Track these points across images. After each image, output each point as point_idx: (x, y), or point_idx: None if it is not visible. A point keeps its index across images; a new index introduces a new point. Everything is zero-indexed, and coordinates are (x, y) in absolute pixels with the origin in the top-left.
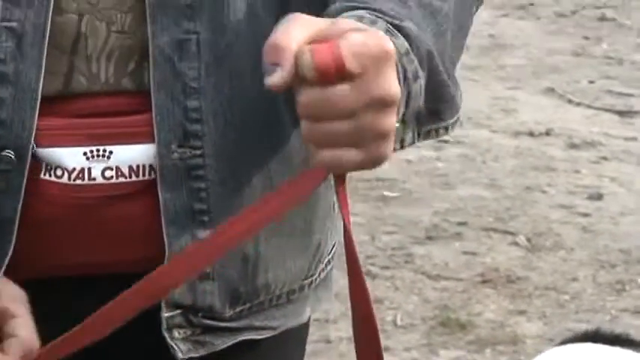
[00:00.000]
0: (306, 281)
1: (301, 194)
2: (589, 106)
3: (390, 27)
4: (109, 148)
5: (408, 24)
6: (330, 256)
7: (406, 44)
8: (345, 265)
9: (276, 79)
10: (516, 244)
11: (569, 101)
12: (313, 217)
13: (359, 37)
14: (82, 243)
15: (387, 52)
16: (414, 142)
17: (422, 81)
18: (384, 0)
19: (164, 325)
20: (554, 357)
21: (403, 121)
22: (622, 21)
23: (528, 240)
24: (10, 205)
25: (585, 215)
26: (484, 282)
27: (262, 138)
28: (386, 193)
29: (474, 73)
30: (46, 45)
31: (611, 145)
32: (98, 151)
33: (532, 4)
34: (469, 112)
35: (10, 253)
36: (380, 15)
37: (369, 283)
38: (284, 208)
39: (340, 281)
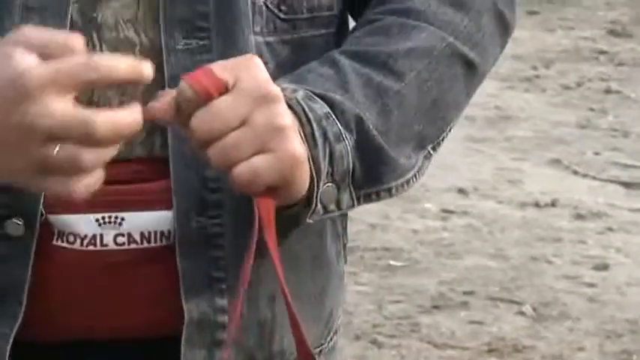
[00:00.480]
0: (317, 349)
1: (269, 228)
2: (595, 178)
3: (310, 94)
4: (120, 214)
5: (331, 94)
6: (338, 324)
7: (326, 108)
8: (351, 333)
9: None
10: (522, 313)
11: (575, 172)
12: (327, 286)
13: (225, 60)
14: (95, 307)
15: (250, 58)
16: (353, 205)
17: (348, 142)
18: (323, 80)
19: None
20: None
21: (334, 181)
22: (627, 93)
23: (534, 310)
24: (20, 271)
25: (591, 285)
26: (490, 351)
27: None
28: (392, 262)
29: (480, 144)
30: None
31: (617, 216)
32: (110, 217)
33: (537, 77)
34: (475, 182)
35: (20, 318)
36: (307, 88)
37: (375, 352)
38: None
39: (347, 349)
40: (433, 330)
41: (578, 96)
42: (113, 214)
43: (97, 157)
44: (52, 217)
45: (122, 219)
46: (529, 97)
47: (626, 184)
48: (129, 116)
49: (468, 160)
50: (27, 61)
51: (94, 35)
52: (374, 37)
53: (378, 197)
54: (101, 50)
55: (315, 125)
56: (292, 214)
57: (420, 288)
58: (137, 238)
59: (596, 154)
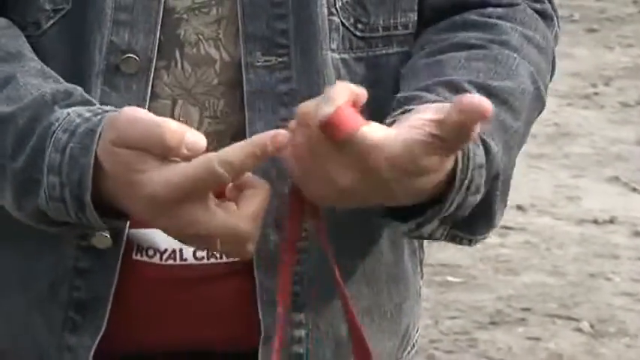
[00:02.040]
0: None
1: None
2: None
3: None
4: None
5: (491, 141)
6: (415, 339)
7: (483, 158)
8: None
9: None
10: (580, 330)
11: (634, 190)
12: (403, 302)
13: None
14: (173, 321)
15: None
16: (439, 239)
17: (478, 197)
18: None
19: None
20: None
21: (442, 220)
22: None
23: (592, 326)
24: (105, 284)
25: None
26: None
27: (356, 225)
28: (450, 278)
29: (538, 161)
30: None
31: None
32: None
33: (596, 94)
34: (533, 199)
35: (102, 331)
36: None
37: None
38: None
39: None
40: (490, 346)
41: (638, 113)
42: None
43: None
44: (133, 232)
45: None
46: (588, 114)
47: None
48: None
49: (527, 177)
50: (150, 183)
51: (177, 52)
52: (485, 64)
53: (461, 242)
54: (182, 66)
55: (469, 174)
56: (384, 223)
57: (478, 304)
58: (216, 253)
59: None
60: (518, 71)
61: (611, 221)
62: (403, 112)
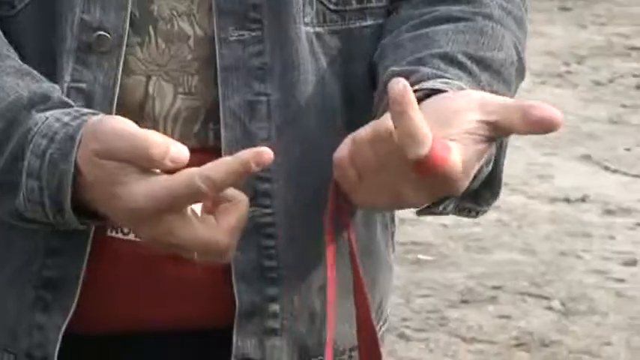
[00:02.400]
0: None
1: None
2: (625, 174)
3: None
4: None
5: None
6: (387, 314)
7: None
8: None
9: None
10: (551, 308)
11: (606, 168)
12: (376, 276)
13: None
14: (148, 299)
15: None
16: (449, 214)
17: (490, 167)
18: (466, 83)
19: None
20: None
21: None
22: None
23: (563, 304)
24: (76, 263)
25: (620, 281)
26: (518, 345)
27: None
28: (421, 256)
29: (511, 139)
30: (114, 105)
31: None
32: None
33: (569, 72)
34: (505, 177)
35: (72, 310)
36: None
37: (403, 346)
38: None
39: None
40: (461, 324)
41: (610, 92)
42: None
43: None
44: None
45: None
46: (561, 92)
47: None
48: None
49: None
50: (132, 195)
51: (150, 28)
52: (473, 36)
53: (469, 214)
54: (156, 42)
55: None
56: None
57: (449, 282)
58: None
59: (627, 150)
60: (505, 42)
61: (583, 200)
62: (428, 95)
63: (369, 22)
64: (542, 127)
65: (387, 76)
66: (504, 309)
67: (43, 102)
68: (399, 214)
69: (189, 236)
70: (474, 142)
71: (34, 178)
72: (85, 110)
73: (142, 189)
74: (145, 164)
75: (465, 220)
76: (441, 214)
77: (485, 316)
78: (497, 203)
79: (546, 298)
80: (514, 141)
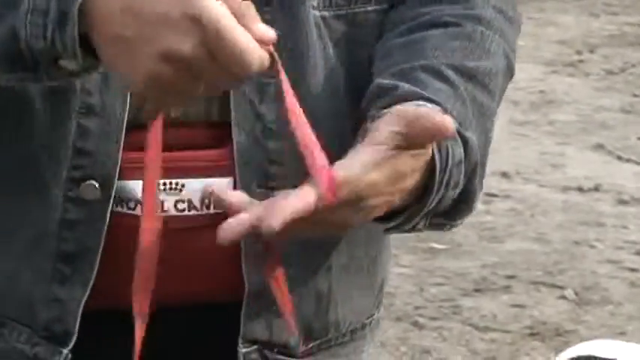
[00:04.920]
0: (367, 320)
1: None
2: (638, 163)
3: (455, 131)
4: (181, 181)
5: (470, 135)
6: (383, 295)
7: (462, 154)
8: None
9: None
10: (564, 297)
11: (619, 157)
12: (378, 256)
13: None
14: (164, 275)
15: None
16: (420, 230)
17: (458, 190)
18: (445, 98)
19: None
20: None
21: (424, 215)
22: None
23: (576, 294)
24: (93, 235)
25: (633, 270)
26: (532, 335)
27: None
28: (434, 245)
29: (523, 128)
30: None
31: None
32: (171, 183)
33: (582, 61)
34: (518, 166)
35: (91, 283)
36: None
37: (416, 334)
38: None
39: (389, 330)
40: (475, 313)
41: (622, 81)
42: (174, 181)
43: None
44: (116, 183)
45: (182, 185)
46: (573, 81)
47: None
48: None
49: (512, 144)
50: None
51: None
52: (461, 43)
53: (442, 228)
54: None
55: (447, 173)
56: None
57: (462, 271)
58: (197, 204)
59: None
60: (493, 49)
61: (596, 189)
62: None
63: (374, 6)
64: (431, 135)
65: (370, 91)
66: (518, 298)
67: None
68: None
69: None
70: (386, 153)
71: None
72: None
73: None
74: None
75: (478, 208)
76: (412, 231)
77: (499, 305)
78: (510, 192)
79: (560, 287)
80: (526, 130)
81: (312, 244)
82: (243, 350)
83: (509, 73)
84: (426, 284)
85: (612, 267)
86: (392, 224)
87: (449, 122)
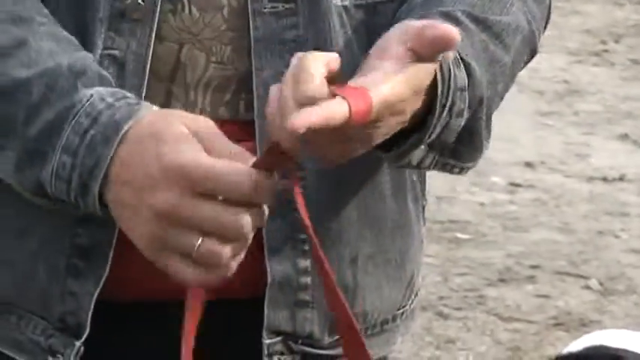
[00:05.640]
0: (398, 312)
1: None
2: None
3: (459, 58)
4: None
5: (474, 64)
6: (418, 287)
7: (465, 80)
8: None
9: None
10: (589, 287)
11: None
12: (408, 248)
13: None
14: None
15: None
16: (429, 168)
17: (462, 121)
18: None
19: (265, 352)
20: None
21: (428, 146)
22: None
23: (601, 284)
24: (106, 231)
25: None
26: (556, 325)
27: (358, 170)
28: (459, 235)
29: (548, 118)
30: (147, 72)
31: None
32: None
33: (607, 51)
34: (542, 156)
35: (104, 277)
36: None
37: (441, 324)
38: None
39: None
40: (499, 303)
41: None
42: None
43: (237, 249)
44: None
45: None
46: (598, 71)
47: None
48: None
49: (536, 134)
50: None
51: None
52: (481, 1)
53: (452, 170)
54: (190, 11)
55: (450, 98)
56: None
57: (487, 261)
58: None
59: None
60: (513, 10)
61: (621, 179)
62: None
63: None
64: (438, 45)
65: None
66: (542, 288)
67: (83, 72)
68: (436, 192)
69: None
70: (405, 65)
71: (69, 154)
72: (127, 94)
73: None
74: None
75: (503, 198)
76: (420, 167)
77: (524, 296)
78: (534, 182)
79: (584, 277)
80: (550, 120)
81: (339, 233)
82: (268, 341)
83: (531, 44)
84: (450, 274)
85: (637, 257)
86: (396, 152)
87: (455, 32)
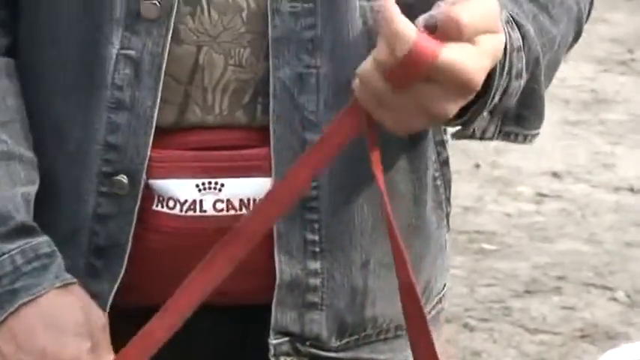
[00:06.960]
0: None
1: (340, 143)
2: None
3: (512, 20)
4: (220, 180)
5: (527, 25)
6: (442, 295)
7: (521, 41)
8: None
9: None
10: (615, 299)
11: None
12: (424, 254)
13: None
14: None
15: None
16: (492, 138)
17: (522, 82)
18: (507, 1)
19: (272, 352)
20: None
21: (490, 113)
22: None
23: (628, 296)
24: (122, 230)
25: None
26: (583, 337)
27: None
28: (485, 245)
29: (574, 127)
30: (163, 74)
31: None
32: (210, 183)
33: (633, 60)
34: (569, 166)
35: (119, 279)
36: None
37: (467, 335)
38: (327, 159)
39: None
40: (525, 314)
41: None
42: (213, 180)
43: None
44: (154, 182)
45: (222, 185)
46: (625, 80)
47: None
48: None
49: (563, 144)
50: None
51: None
52: None
53: (516, 139)
54: (209, 13)
55: (507, 58)
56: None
57: (513, 272)
58: (236, 204)
59: None
60: None
61: None
62: None
63: None
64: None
65: None
66: (568, 300)
67: (3, 223)
68: (463, 202)
69: None
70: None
71: None
72: (43, 251)
73: None
74: None
75: (528, 209)
76: (482, 138)
77: (550, 307)
78: (561, 192)
79: (610, 289)
80: (577, 130)
81: (350, 236)
82: (274, 342)
83: (578, 25)
84: (476, 285)
85: None
86: (458, 121)
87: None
